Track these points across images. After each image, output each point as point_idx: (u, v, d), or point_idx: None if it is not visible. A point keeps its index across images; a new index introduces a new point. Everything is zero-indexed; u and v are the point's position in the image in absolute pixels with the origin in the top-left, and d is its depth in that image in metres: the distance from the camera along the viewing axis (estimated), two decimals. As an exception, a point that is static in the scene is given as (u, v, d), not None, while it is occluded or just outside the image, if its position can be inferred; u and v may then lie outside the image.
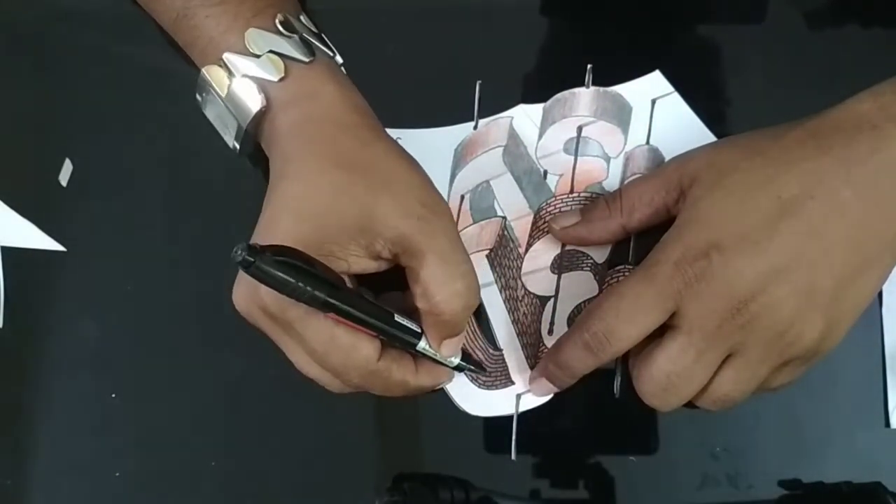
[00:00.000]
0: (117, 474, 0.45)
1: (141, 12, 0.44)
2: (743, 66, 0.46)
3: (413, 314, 0.38)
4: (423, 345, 0.38)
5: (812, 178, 0.36)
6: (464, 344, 0.44)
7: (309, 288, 0.33)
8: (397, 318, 0.37)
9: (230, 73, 0.39)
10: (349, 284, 0.38)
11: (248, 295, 0.37)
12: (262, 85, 0.38)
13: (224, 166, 0.45)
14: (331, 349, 0.36)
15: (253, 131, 0.40)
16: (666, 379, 0.37)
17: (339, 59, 0.41)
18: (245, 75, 0.38)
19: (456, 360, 0.40)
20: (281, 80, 0.38)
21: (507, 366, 0.44)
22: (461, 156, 0.46)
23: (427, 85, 0.47)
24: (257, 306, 0.37)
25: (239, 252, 0.32)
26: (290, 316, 0.36)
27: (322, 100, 0.39)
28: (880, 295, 0.43)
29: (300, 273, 0.33)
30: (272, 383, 0.44)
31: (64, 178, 0.47)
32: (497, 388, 0.44)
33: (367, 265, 0.38)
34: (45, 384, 0.46)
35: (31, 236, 0.47)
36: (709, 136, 0.45)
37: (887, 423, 0.43)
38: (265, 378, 0.44)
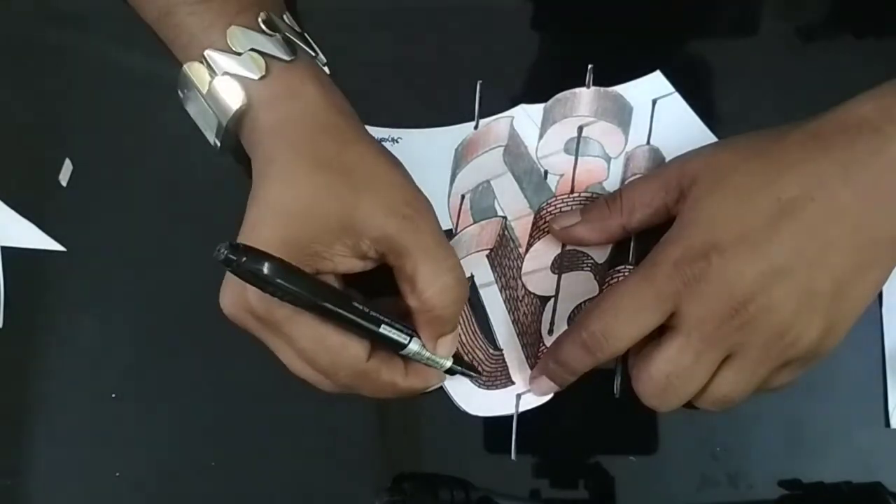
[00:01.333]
0: (117, 474, 0.45)
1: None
2: (744, 66, 0.46)
3: (406, 318, 0.38)
4: (414, 348, 0.38)
5: (812, 179, 0.36)
6: (461, 344, 0.44)
7: (293, 287, 0.33)
8: (383, 316, 0.37)
9: (211, 71, 0.39)
10: (336, 285, 0.38)
11: (235, 298, 0.37)
12: (244, 83, 0.38)
13: (224, 166, 0.45)
14: (319, 349, 0.36)
15: (234, 129, 0.40)
16: (665, 379, 0.37)
17: (322, 58, 0.41)
18: (226, 73, 0.38)
19: (448, 363, 0.40)
20: (262, 78, 0.38)
21: (507, 366, 0.44)
22: (462, 156, 0.46)
23: (427, 85, 0.47)
24: (244, 309, 0.37)
25: (222, 251, 0.32)
26: (277, 316, 0.36)
27: (302, 99, 0.39)
28: (880, 295, 0.43)
29: (285, 271, 0.33)
30: (272, 383, 0.44)
31: (64, 178, 0.47)
32: (497, 388, 0.44)
33: (354, 264, 0.38)
34: (45, 384, 0.46)
35: (31, 236, 0.47)
36: (709, 137, 0.45)
37: (887, 423, 0.43)
38: (265, 378, 0.44)
